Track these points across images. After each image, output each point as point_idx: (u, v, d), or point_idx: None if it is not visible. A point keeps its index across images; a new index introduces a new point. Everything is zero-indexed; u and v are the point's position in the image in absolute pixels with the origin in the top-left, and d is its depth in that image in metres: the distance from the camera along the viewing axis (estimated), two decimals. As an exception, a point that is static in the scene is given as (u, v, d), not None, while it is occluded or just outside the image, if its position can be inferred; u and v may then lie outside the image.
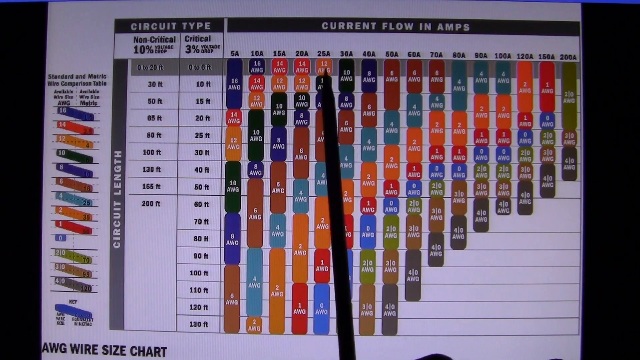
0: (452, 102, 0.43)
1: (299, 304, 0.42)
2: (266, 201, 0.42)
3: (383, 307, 0.42)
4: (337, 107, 0.43)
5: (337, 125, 0.28)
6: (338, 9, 0.43)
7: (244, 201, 0.42)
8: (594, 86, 0.42)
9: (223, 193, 0.42)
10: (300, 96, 0.43)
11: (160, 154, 0.43)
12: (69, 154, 0.43)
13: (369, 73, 0.43)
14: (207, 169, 0.43)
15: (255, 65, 0.43)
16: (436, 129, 0.43)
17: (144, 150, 0.43)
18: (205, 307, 0.42)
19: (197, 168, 0.43)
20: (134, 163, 0.43)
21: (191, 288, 0.42)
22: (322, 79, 0.41)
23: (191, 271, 0.42)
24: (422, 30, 0.43)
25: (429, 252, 0.42)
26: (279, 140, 0.43)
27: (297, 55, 0.43)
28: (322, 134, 0.42)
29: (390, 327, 0.42)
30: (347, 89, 0.43)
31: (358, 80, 0.43)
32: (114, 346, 0.42)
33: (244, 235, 0.42)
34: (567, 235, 0.42)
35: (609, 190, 0.42)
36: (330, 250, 0.24)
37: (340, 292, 0.23)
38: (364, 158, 0.42)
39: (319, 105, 0.43)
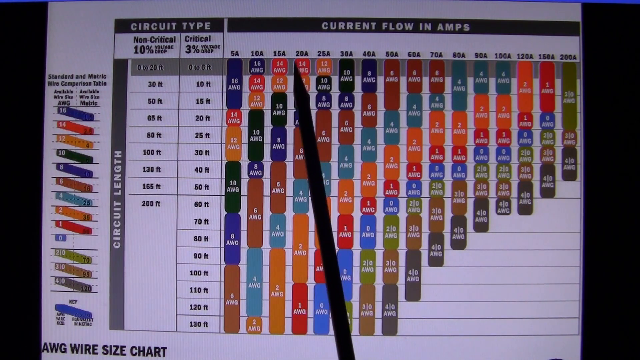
0: (452, 102, 0.43)
1: (299, 304, 0.42)
2: (266, 201, 0.42)
3: (383, 307, 0.42)
4: (337, 107, 0.43)
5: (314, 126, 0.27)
6: (338, 9, 0.43)
7: (244, 201, 0.42)
8: (594, 86, 0.42)
9: (223, 193, 0.42)
10: (300, 96, 0.43)
11: (160, 154, 0.43)
12: (69, 154, 0.43)
13: (369, 73, 0.43)
14: (207, 169, 0.43)
15: (255, 65, 0.43)
16: (436, 129, 0.43)
17: (144, 150, 0.43)
18: (205, 307, 0.42)
19: (197, 168, 0.43)
20: (134, 163, 0.43)
21: (191, 288, 0.42)
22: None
23: (191, 271, 0.42)
24: (422, 30, 0.43)
25: (429, 252, 0.42)
26: (279, 140, 0.43)
27: (297, 55, 0.43)
28: (321, 134, 0.43)
29: (390, 327, 0.42)
30: (347, 89, 0.43)
31: (358, 80, 0.43)
32: (114, 346, 0.42)
33: (244, 235, 0.42)
34: (567, 235, 0.42)
35: (609, 190, 0.42)
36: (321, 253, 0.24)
37: (333, 292, 0.23)
38: (364, 158, 0.42)
39: (318, 105, 0.43)
